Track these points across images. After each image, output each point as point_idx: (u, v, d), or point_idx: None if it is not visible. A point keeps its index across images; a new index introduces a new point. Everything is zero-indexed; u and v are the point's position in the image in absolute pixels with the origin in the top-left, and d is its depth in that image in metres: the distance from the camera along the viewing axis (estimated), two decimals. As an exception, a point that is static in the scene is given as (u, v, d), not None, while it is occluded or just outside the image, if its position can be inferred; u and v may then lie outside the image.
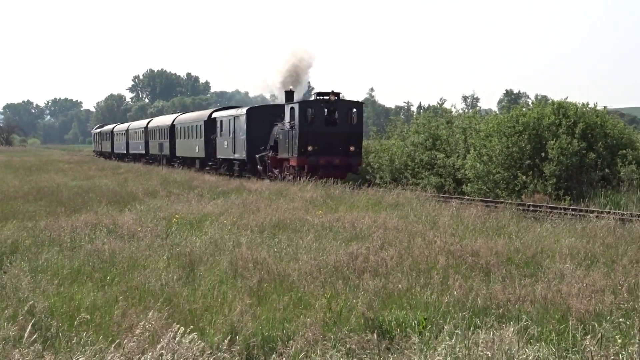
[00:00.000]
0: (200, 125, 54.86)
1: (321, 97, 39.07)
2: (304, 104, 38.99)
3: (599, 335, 8.42)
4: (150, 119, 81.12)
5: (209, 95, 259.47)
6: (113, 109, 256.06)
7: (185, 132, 59.91)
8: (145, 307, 10.74)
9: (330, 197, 26.46)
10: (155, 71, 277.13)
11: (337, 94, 38.82)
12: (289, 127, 38.74)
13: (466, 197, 29.62)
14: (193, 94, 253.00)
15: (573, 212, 22.11)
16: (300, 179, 35.15)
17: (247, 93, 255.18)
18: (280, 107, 43.13)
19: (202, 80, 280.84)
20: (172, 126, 63.93)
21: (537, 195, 29.23)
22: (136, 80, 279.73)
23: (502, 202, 25.70)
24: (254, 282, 12.44)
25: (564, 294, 10.86)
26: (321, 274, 12.90)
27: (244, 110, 45.90)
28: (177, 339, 8.47)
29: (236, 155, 46.98)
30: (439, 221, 18.96)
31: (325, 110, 38.81)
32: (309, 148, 37.48)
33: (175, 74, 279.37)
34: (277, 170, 40.63)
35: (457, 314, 10.00)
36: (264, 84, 55.68)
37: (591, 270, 12.69)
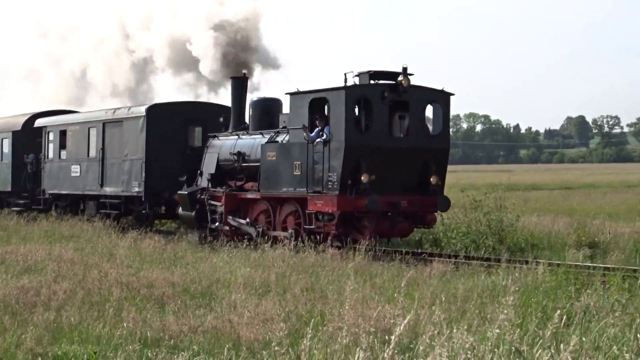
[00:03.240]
0: (3, 140, 35.34)
1: (381, 81, 21.16)
2: (354, 91, 20.53)
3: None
4: None
5: None
6: None
7: None
8: None
9: (2, 229, 25.45)
10: None
11: (409, 76, 20.91)
12: (307, 138, 20.76)
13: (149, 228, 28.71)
14: None
15: (249, 243, 22.29)
16: (335, 244, 20.18)
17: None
18: (208, 107, 28.17)
19: None
20: None
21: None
22: None
23: (178, 233, 25.49)
24: None
25: (234, 323, 11.05)
26: (-14, 310, 12.33)
27: (140, 110, 27.69)
28: None
29: (111, 190, 28.58)
30: (116, 253, 18.74)
31: (389, 105, 21.03)
32: (363, 178, 19.99)
33: None
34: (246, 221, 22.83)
35: (129, 346, 9.90)
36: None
37: (264, 300, 12.99)
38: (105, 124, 29.32)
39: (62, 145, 31.90)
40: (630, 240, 22.19)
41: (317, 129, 20.75)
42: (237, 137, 24.35)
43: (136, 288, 13.97)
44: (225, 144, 24.64)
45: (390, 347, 7.46)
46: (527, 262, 16.78)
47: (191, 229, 24.80)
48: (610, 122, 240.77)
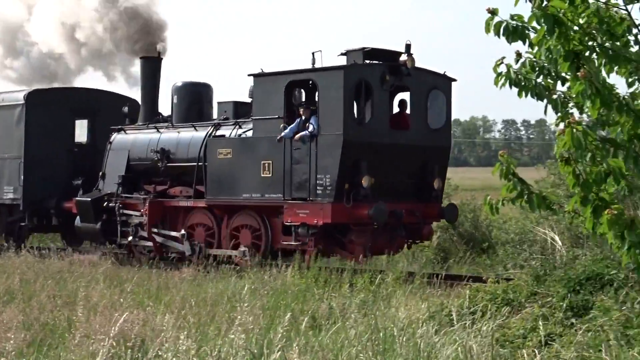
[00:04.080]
0: None
1: (380, 61, 17.34)
2: (354, 71, 16.66)
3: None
4: None
5: None
6: None
7: None
8: None
9: None
10: None
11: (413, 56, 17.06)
12: (287, 129, 16.73)
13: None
14: None
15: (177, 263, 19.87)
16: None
17: None
18: (101, 95, 23.45)
19: None
20: None
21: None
22: None
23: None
24: None
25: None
26: None
27: (16, 97, 22.61)
28: None
29: None
30: None
31: (390, 91, 17.51)
32: (363, 181, 16.18)
33: None
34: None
35: None
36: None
37: (8, 307, 12.53)
38: None
39: None
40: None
41: (299, 119, 16.93)
42: (155, 130, 20.11)
43: None
44: (139, 139, 20.28)
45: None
46: (277, 266, 16.84)
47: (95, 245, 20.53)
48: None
